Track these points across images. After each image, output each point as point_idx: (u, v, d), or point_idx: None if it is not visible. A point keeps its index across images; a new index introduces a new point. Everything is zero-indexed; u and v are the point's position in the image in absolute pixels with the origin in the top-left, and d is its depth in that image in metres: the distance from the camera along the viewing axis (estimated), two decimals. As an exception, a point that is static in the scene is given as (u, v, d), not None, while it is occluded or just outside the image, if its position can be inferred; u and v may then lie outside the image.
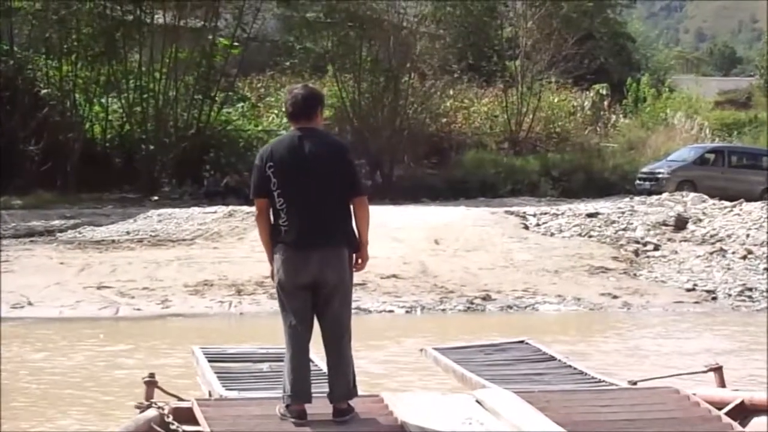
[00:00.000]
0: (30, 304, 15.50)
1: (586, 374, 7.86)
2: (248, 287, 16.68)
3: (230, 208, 23.70)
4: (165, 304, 15.82)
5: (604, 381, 7.61)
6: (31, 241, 21.17)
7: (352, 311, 6.49)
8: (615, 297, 16.93)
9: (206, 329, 14.69)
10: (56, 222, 23.48)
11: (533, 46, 35.79)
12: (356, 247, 6.29)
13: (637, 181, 31.42)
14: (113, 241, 20.89)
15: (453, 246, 19.93)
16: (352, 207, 6.25)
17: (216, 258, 18.83)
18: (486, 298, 16.62)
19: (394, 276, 17.52)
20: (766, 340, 12.93)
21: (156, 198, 28.45)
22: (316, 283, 6.15)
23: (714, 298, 17.10)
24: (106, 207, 26.64)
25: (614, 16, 43.97)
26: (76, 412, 9.69)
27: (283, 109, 6.94)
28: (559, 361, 8.34)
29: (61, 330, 14.19)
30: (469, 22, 36.45)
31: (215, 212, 23.47)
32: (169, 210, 24.34)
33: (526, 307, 16.31)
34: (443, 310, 16.09)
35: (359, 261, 6.34)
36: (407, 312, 15.90)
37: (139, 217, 23.77)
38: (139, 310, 15.50)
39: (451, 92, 35.68)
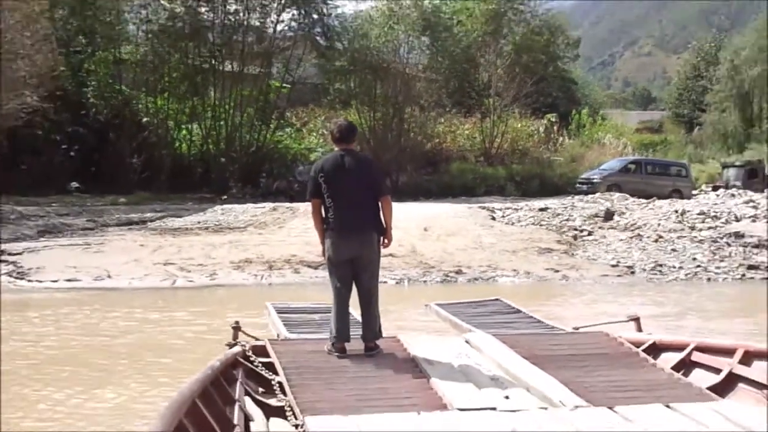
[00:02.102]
0: (109, 276, 14.32)
1: (542, 322, 7.75)
2: (278, 263, 15.47)
3: (274, 204, 22.60)
4: (212, 277, 14.58)
5: (555, 327, 7.50)
6: (129, 228, 20.09)
7: None
8: (557, 271, 15.69)
9: (242, 297, 13.43)
10: (148, 214, 22.43)
11: (502, 86, 34.72)
12: (383, 231, 6.25)
13: (577, 185, 30.08)
14: (186, 228, 19.76)
15: (437, 232, 18.80)
16: (380, 203, 6.21)
17: (259, 241, 17.65)
18: (458, 272, 15.38)
19: (391, 255, 16.23)
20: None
21: (225, 197, 27.37)
22: (355, 258, 6.16)
23: (633, 272, 15.87)
24: (188, 204, 25.54)
25: (562, 66, 42.84)
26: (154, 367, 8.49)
27: (327, 134, 6.75)
28: (524, 313, 8.21)
29: (126, 298, 13.03)
30: (455, 69, 35.23)
31: (264, 207, 22.33)
32: (230, 205, 23.15)
33: (488, 279, 15.06)
34: (425, 281, 14.85)
35: (386, 241, 6.31)
36: (397, 283, 14.66)
37: (208, 210, 22.60)
38: (191, 281, 14.26)
39: (442, 120, 34.77)
